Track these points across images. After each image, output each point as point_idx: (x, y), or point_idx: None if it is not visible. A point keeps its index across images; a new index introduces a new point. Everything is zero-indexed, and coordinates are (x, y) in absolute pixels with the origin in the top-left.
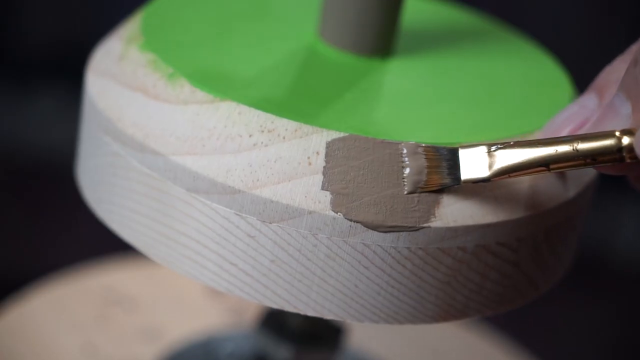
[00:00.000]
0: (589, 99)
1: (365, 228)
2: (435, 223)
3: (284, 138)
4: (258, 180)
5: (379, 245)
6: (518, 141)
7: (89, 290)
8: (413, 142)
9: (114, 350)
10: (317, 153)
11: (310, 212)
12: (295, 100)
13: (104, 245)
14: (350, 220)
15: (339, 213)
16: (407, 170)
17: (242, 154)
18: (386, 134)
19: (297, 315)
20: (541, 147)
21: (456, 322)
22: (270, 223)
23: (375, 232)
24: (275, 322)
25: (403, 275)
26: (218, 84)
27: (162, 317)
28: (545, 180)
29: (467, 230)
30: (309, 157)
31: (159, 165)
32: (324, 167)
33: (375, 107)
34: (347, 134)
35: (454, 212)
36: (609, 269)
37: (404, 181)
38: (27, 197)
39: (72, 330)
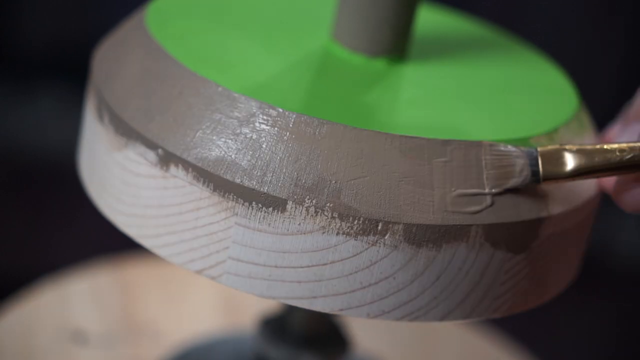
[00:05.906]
0: None
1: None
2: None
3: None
4: None
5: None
6: (596, 144)
7: (88, 290)
8: (489, 142)
9: (113, 350)
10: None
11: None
12: (315, 101)
13: (104, 244)
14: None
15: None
16: (488, 171)
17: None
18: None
19: (297, 318)
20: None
21: (456, 322)
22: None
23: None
24: (275, 325)
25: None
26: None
27: (162, 318)
28: None
29: None
30: None
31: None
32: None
33: (396, 108)
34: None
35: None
36: (609, 269)
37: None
38: (27, 197)
39: (71, 330)
